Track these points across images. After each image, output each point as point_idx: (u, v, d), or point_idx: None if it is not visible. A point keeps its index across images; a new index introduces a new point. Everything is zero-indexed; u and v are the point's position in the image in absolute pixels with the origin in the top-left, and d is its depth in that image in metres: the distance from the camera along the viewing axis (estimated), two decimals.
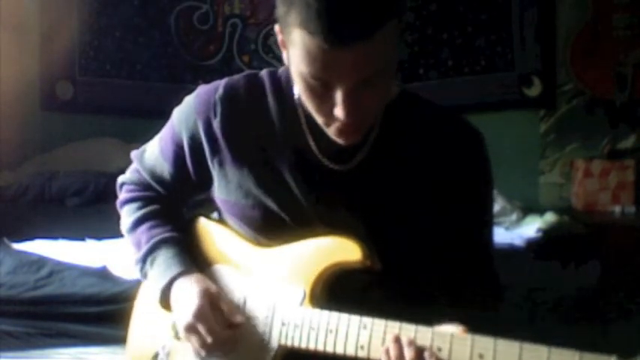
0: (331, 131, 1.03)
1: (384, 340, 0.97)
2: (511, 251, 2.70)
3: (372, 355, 0.98)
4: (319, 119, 1.03)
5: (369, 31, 0.90)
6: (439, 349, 0.92)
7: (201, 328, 1.08)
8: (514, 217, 3.15)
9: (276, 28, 1.00)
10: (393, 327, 0.97)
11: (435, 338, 0.93)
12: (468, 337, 0.91)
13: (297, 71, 0.98)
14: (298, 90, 1.01)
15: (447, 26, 3.59)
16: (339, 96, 0.95)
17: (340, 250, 1.06)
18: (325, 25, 0.89)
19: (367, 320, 0.99)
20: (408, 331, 0.95)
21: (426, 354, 0.92)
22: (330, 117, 0.99)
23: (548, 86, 3.51)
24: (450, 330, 0.94)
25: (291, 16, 0.93)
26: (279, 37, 1.00)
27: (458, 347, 0.91)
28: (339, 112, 0.96)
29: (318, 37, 0.90)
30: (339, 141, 1.03)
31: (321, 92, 0.97)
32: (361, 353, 0.99)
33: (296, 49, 0.95)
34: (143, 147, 1.28)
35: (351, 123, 0.98)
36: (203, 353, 1.10)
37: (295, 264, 1.09)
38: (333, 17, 0.89)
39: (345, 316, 1.01)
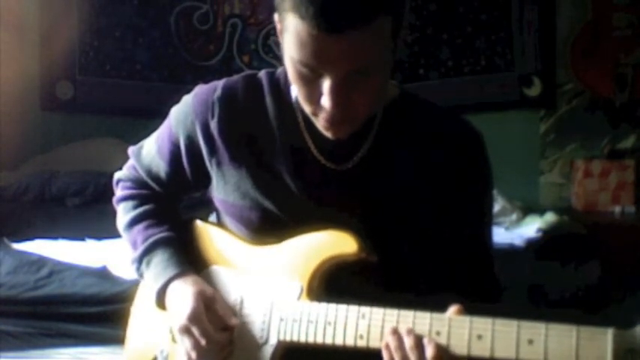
0: (319, 123, 1.03)
1: (382, 328, 0.96)
2: (511, 251, 2.70)
3: (372, 344, 0.97)
4: (307, 108, 1.02)
5: (360, 19, 0.90)
6: (438, 334, 0.92)
7: (195, 330, 1.08)
8: (514, 217, 3.15)
9: (275, 16, 1.00)
10: (392, 315, 0.96)
11: (433, 323, 0.93)
12: (466, 318, 0.91)
13: (288, 57, 0.98)
14: (290, 77, 1.01)
15: (447, 26, 3.59)
16: (326, 85, 0.95)
17: (336, 243, 1.05)
18: (315, 9, 0.89)
19: (365, 309, 0.99)
20: (407, 317, 0.95)
21: (425, 340, 0.93)
22: (317, 106, 0.99)
23: (548, 86, 3.51)
24: (448, 313, 0.94)
25: (286, 0, 0.94)
26: (278, 26, 1.00)
27: (456, 330, 0.91)
28: (325, 101, 0.96)
29: (308, 21, 0.90)
30: (327, 134, 1.03)
31: (311, 80, 0.97)
32: (360, 343, 0.98)
33: (288, 35, 0.95)
34: (141, 143, 1.28)
35: (337, 114, 0.98)
36: (194, 355, 1.10)
37: (291, 259, 1.09)
38: (324, 2, 0.89)
39: (342, 307, 1.01)
